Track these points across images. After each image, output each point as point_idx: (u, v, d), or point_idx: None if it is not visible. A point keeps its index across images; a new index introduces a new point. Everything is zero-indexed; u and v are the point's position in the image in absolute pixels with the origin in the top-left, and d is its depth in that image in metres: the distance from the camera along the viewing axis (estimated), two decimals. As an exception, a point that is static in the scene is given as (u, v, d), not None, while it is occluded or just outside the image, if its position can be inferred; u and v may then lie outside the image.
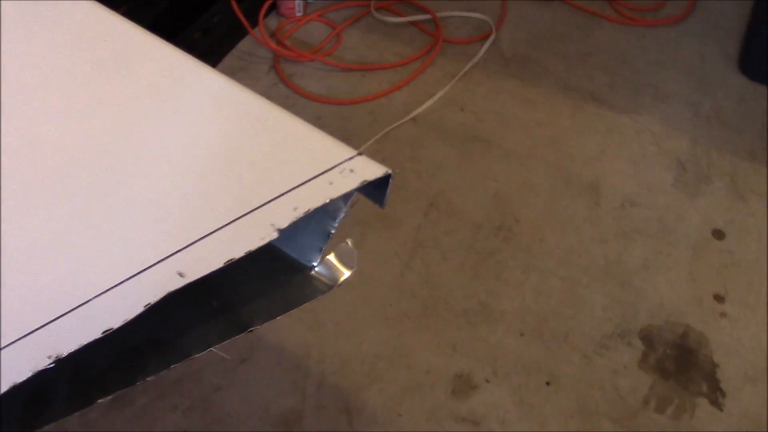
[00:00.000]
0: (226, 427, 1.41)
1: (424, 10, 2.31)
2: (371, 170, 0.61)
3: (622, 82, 2.14)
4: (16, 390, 0.51)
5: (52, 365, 0.52)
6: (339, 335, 1.53)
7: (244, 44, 2.22)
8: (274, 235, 0.56)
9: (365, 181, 0.59)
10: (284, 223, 0.57)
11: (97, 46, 0.76)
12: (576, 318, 1.55)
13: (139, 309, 0.53)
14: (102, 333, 0.53)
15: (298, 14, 2.28)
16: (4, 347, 0.53)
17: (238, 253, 0.56)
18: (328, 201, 0.58)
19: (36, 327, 0.54)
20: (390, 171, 0.60)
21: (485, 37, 2.22)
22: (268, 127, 0.66)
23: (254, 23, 2.17)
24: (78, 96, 0.71)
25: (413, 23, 2.29)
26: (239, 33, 2.19)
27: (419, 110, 2.00)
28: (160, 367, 0.62)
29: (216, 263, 0.55)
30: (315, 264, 0.68)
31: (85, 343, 0.52)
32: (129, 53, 0.76)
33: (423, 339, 1.52)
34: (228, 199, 0.59)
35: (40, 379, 0.52)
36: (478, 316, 1.55)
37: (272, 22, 2.28)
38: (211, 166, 0.62)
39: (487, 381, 1.45)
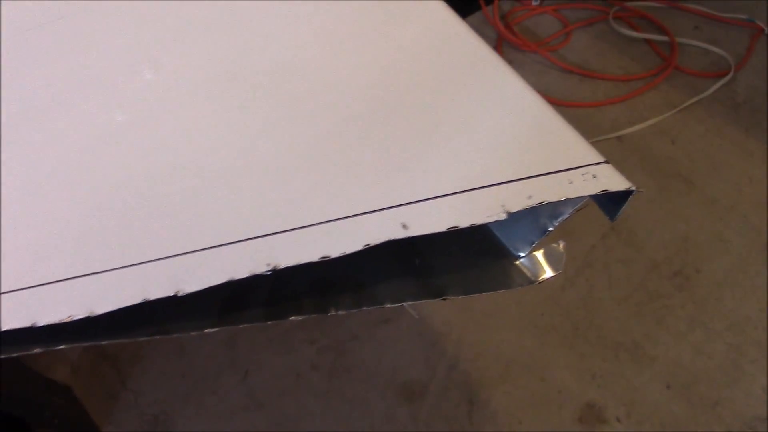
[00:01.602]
0: (353, 375, 1.45)
1: (664, 31, 2.20)
2: (615, 182, 0.58)
3: None
4: (225, 285, 0.53)
5: (269, 272, 0.54)
6: (483, 326, 1.52)
7: (472, 19, 2.22)
8: (503, 216, 0.55)
9: (605, 190, 0.57)
10: (515, 208, 0.56)
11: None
12: (731, 389, 1.45)
13: (357, 246, 0.54)
14: (319, 258, 0.54)
15: (535, 3, 2.25)
16: (230, 243, 0.56)
17: (464, 222, 0.55)
18: (563, 199, 0.57)
19: (264, 234, 0.56)
20: (634, 188, 0.58)
21: (721, 75, 2.09)
22: (526, 111, 0.65)
23: (489, 1, 2.17)
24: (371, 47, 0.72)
25: (648, 41, 2.19)
26: (471, 6, 2.20)
27: (628, 130, 1.92)
28: (352, 305, 0.63)
29: (440, 225, 0.55)
30: (521, 255, 0.67)
31: (303, 262, 0.54)
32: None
33: (565, 358, 1.48)
34: (466, 168, 0.59)
35: (247, 281, 0.54)
36: (628, 355, 1.49)
37: (506, 4, 2.27)
38: (463, 133, 0.62)
39: (618, 420, 1.40)
